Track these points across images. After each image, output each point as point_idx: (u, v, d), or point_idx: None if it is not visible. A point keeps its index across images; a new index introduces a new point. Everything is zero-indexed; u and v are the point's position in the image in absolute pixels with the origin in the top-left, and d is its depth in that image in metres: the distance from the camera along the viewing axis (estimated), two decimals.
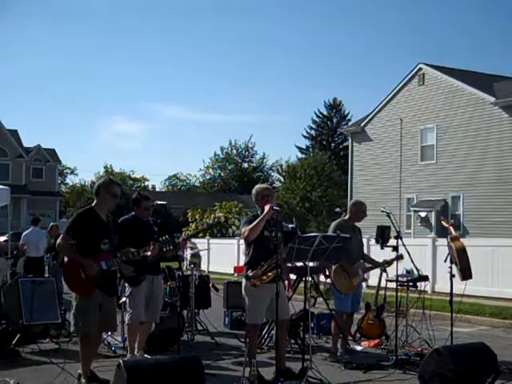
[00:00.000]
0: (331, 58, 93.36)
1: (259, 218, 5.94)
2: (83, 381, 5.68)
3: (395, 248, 7.28)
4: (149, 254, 6.01)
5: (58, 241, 5.73)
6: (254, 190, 6.27)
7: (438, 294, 12.57)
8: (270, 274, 5.92)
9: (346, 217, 7.69)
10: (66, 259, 5.76)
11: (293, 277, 8.06)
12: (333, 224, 7.52)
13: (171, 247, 6.13)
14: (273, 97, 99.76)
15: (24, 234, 13.22)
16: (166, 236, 6.07)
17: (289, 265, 6.47)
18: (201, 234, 30.79)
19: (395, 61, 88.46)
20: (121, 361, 4.64)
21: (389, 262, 7.53)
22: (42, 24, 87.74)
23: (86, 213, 5.76)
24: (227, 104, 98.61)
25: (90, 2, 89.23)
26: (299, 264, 6.60)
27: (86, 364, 5.72)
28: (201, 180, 70.83)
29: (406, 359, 6.85)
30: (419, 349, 7.30)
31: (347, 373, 6.54)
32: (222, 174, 68.74)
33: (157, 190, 68.79)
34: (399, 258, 7.28)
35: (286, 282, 7.54)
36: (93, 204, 5.86)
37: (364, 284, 7.96)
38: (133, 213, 6.75)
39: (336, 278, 7.29)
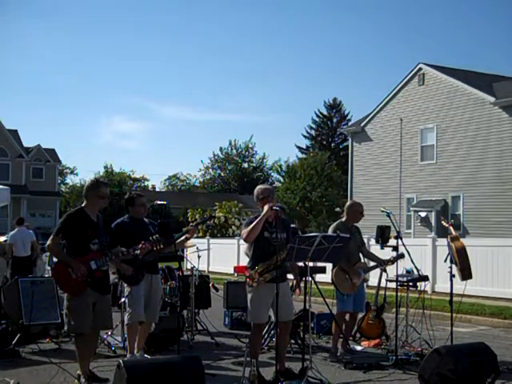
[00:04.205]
0: (331, 57, 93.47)
1: (258, 219, 5.89)
2: (83, 381, 5.68)
3: (395, 248, 7.28)
4: (138, 252, 6.03)
5: (48, 242, 5.77)
6: (255, 191, 6.23)
7: (437, 294, 12.57)
8: (267, 275, 5.88)
9: (344, 218, 7.67)
10: (55, 260, 5.82)
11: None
12: (331, 227, 7.49)
13: (161, 245, 6.12)
14: (273, 96, 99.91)
15: (10, 234, 13.10)
16: (156, 236, 6.07)
17: (300, 264, 6.32)
18: (201, 234, 30.98)
19: (395, 61, 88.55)
20: (121, 361, 4.65)
21: (392, 261, 7.53)
22: (41, 23, 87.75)
23: (75, 214, 5.83)
24: (227, 104, 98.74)
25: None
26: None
27: (83, 363, 5.73)
28: (201, 180, 70.87)
29: (406, 359, 6.84)
30: (419, 349, 7.29)
31: (347, 373, 6.53)
32: (222, 174, 68.71)
33: (157, 190, 68.79)
34: (400, 256, 7.28)
35: (294, 281, 7.38)
36: (83, 205, 5.91)
37: (364, 284, 7.94)
38: (127, 215, 6.75)
39: (337, 278, 7.29)
